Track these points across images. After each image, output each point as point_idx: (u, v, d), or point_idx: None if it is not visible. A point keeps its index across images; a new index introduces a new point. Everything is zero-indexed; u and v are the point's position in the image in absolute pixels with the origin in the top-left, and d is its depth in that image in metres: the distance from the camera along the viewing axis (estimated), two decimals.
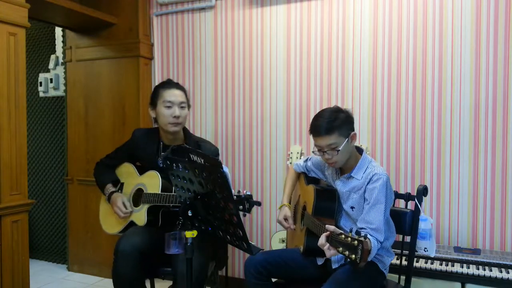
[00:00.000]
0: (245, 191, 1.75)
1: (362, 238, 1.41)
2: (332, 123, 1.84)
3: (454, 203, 2.61)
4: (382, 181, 1.84)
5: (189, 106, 2.39)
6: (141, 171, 2.37)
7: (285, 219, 2.15)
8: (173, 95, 2.30)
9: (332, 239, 1.53)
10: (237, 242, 1.61)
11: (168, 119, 2.26)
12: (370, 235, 1.76)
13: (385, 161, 2.75)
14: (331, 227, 1.56)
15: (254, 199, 3.14)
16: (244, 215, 1.69)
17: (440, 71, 2.62)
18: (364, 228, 1.80)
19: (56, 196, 3.88)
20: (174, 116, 2.26)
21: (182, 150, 1.69)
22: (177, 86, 2.37)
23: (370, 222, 1.80)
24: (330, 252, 1.57)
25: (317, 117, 1.91)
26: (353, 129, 1.91)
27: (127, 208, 2.28)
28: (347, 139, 1.87)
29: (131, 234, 2.18)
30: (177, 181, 1.74)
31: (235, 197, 1.64)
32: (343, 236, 1.47)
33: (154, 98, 2.33)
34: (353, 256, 1.41)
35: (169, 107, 2.27)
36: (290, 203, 2.26)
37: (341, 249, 1.46)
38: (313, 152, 1.96)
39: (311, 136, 1.93)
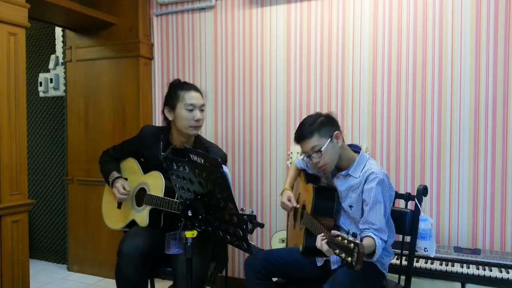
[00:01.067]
0: (250, 211, 1.73)
1: (358, 241, 1.42)
2: (310, 127, 1.90)
3: (454, 203, 2.61)
4: (378, 180, 1.84)
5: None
6: (145, 168, 2.36)
7: (289, 200, 2.14)
8: (194, 97, 2.25)
9: (329, 242, 1.54)
10: (237, 242, 1.61)
11: (190, 123, 2.22)
12: (375, 234, 1.77)
13: (385, 161, 2.75)
14: (334, 232, 1.57)
15: (254, 199, 3.19)
16: None
17: (440, 71, 2.62)
18: (367, 229, 1.81)
19: (56, 196, 3.88)
20: (196, 120, 2.23)
21: (182, 150, 1.69)
22: (196, 88, 2.31)
23: (372, 222, 1.81)
24: (328, 252, 1.59)
25: (299, 125, 1.99)
26: (336, 129, 1.93)
27: (125, 190, 2.28)
28: (329, 139, 1.89)
29: (134, 236, 2.17)
30: (177, 181, 1.74)
31: None
32: (339, 238, 1.48)
33: (173, 99, 2.26)
34: (349, 258, 1.42)
35: (191, 110, 2.22)
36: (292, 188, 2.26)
37: (337, 251, 1.48)
38: (303, 159, 2.01)
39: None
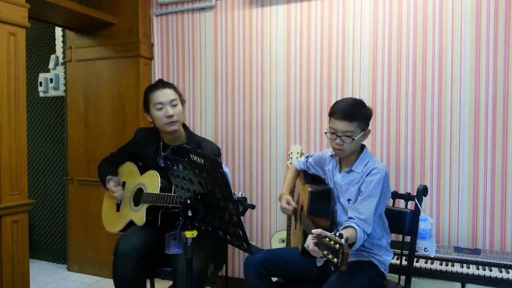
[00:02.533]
0: (240, 193, 1.74)
1: (343, 241, 1.40)
2: (357, 112, 1.88)
3: (454, 203, 2.61)
4: (380, 175, 1.86)
5: (183, 102, 2.35)
6: (143, 171, 2.38)
7: (288, 204, 2.13)
8: (161, 95, 2.26)
9: (319, 243, 1.53)
10: (237, 242, 1.61)
11: (163, 120, 2.25)
12: (358, 225, 1.77)
13: (385, 161, 2.75)
14: (318, 231, 1.55)
15: (254, 199, 3.19)
16: None
17: (440, 71, 2.62)
18: (353, 218, 1.80)
19: (56, 196, 3.88)
20: (168, 116, 2.24)
21: (182, 150, 1.69)
22: (164, 85, 2.32)
23: (360, 212, 1.81)
24: (315, 252, 1.57)
25: (343, 101, 1.94)
26: (368, 127, 1.95)
27: (116, 184, 2.35)
28: (362, 132, 1.90)
29: (130, 235, 2.18)
30: (177, 181, 1.74)
31: None
32: (327, 239, 1.47)
33: (146, 103, 2.32)
34: (335, 260, 1.40)
35: (160, 108, 2.24)
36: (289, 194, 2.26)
37: (325, 252, 1.46)
38: (325, 133, 1.95)
39: (328, 119, 1.95)
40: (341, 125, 1.86)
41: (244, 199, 1.71)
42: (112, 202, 2.44)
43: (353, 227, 1.77)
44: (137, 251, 2.10)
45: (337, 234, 1.46)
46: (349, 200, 1.94)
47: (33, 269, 3.03)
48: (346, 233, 1.69)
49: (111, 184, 2.37)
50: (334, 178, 2.03)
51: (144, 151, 2.39)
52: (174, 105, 2.27)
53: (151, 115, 2.31)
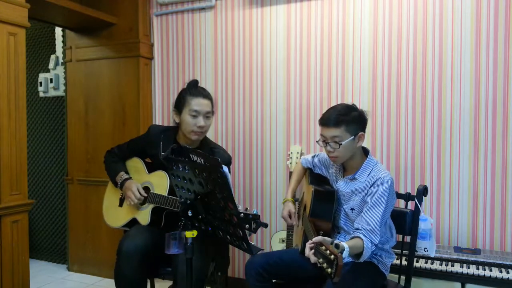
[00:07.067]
0: (253, 210, 1.73)
1: (339, 253, 1.39)
2: (342, 116, 1.86)
3: (454, 203, 2.61)
4: (385, 186, 1.84)
5: (213, 114, 2.33)
6: (150, 168, 2.36)
7: (289, 216, 2.14)
8: (200, 104, 2.23)
9: (316, 250, 1.51)
10: (237, 242, 1.61)
11: (192, 128, 2.22)
12: (365, 236, 1.77)
13: (385, 161, 2.75)
14: (317, 238, 1.53)
15: (254, 199, 3.19)
16: (249, 234, 1.65)
17: (440, 71, 2.62)
18: (359, 229, 1.80)
19: (56, 196, 3.88)
20: (199, 126, 2.22)
21: (182, 150, 1.69)
22: (205, 95, 2.28)
23: (367, 223, 1.80)
24: (313, 259, 1.54)
25: (330, 108, 1.94)
26: (362, 130, 1.91)
27: (141, 194, 2.25)
28: (353, 137, 1.87)
29: (134, 235, 2.17)
30: (177, 181, 1.74)
31: (242, 215, 1.60)
32: (323, 248, 1.45)
33: (180, 103, 2.26)
34: (329, 270, 1.39)
35: (194, 116, 2.22)
36: (294, 198, 2.26)
37: (321, 260, 1.45)
38: (317, 142, 1.96)
39: (318, 128, 1.95)
40: (328, 132, 1.87)
41: (257, 216, 1.69)
42: (115, 196, 2.42)
43: (359, 237, 1.76)
44: (141, 251, 2.10)
45: (334, 243, 1.46)
46: (352, 209, 1.93)
47: (33, 269, 3.03)
48: (350, 243, 1.68)
49: (135, 189, 2.26)
50: (337, 184, 2.03)
51: (155, 149, 2.32)
52: (207, 117, 2.27)
53: (181, 117, 2.26)
